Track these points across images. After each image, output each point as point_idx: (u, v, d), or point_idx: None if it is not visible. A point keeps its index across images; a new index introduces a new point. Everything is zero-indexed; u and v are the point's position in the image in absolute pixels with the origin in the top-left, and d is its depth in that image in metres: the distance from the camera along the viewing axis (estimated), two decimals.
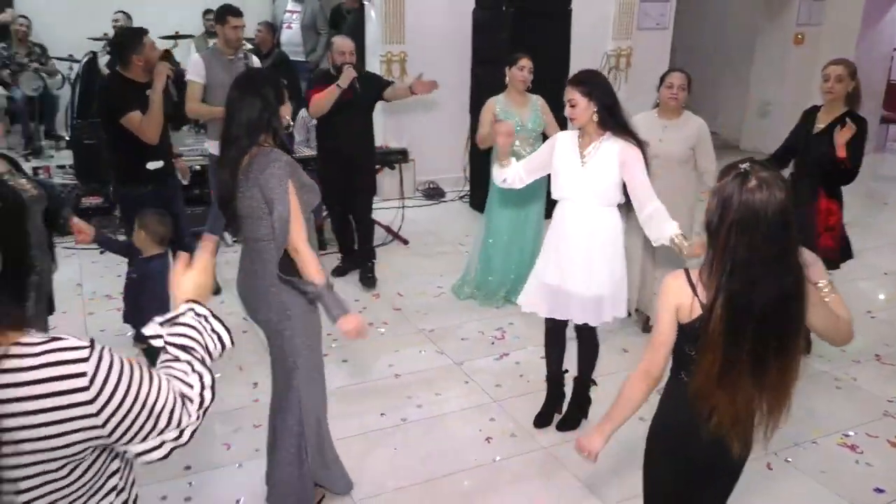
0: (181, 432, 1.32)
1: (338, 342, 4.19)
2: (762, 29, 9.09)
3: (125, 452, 1.34)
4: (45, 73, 7.52)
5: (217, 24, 4.69)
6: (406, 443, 3.32)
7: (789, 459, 3.26)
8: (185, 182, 4.59)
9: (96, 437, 1.23)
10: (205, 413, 1.38)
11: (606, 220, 3.06)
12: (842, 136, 3.64)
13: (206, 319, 1.48)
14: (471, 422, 3.49)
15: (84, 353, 1.21)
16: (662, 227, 2.89)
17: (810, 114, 3.98)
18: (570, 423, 3.44)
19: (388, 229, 5.92)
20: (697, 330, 1.82)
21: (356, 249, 5.22)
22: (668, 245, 2.90)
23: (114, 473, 1.36)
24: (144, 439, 1.29)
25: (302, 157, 5.29)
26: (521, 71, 4.37)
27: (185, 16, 8.12)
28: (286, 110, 2.55)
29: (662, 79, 4.01)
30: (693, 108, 4.16)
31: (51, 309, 3.02)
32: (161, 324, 1.44)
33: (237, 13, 4.63)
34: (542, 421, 3.47)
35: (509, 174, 3.23)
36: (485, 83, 6.22)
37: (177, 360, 1.39)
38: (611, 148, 2.97)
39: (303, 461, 2.71)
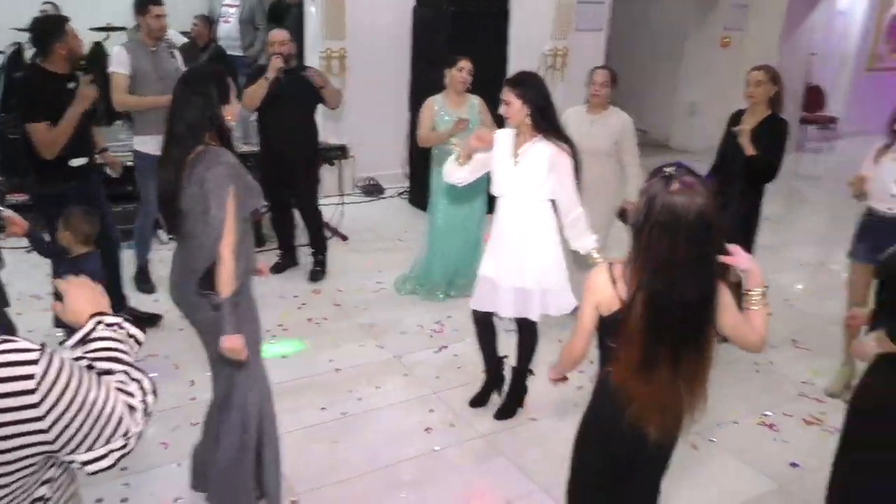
0: (127, 441, 1.30)
1: (277, 338, 4.20)
2: (690, 32, 9.45)
3: (64, 462, 1.32)
4: None
5: (137, 14, 4.48)
6: (347, 436, 3.36)
7: (713, 439, 3.44)
8: (115, 175, 4.48)
9: (41, 444, 1.20)
10: (149, 418, 1.37)
11: (538, 217, 3.17)
12: (743, 139, 3.86)
13: (120, 326, 1.46)
14: (410, 413, 3.55)
15: (34, 356, 1.19)
16: (581, 238, 3.11)
17: (736, 117, 4.16)
18: (507, 412, 3.55)
19: (327, 226, 5.91)
20: (616, 323, 1.91)
21: (295, 246, 5.25)
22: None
23: (45, 482, 1.32)
24: (90, 448, 1.26)
25: (239, 153, 5.25)
26: (460, 72, 4.45)
27: (118, 8, 7.91)
28: (231, 110, 2.52)
29: (590, 76, 4.17)
30: (622, 104, 4.32)
31: (5, 302, 2.96)
32: (73, 347, 1.41)
33: (158, 2, 4.46)
34: (476, 402, 3.60)
35: (460, 175, 3.32)
36: (424, 80, 6.30)
37: (110, 373, 1.36)
38: (542, 150, 3.10)
39: (244, 458, 2.70)
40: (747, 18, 9.23)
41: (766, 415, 3.67)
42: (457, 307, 4.63)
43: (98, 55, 6.81)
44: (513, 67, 6.63)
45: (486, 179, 4.12)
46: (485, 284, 3.32)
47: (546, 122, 3.10)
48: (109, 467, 1.30)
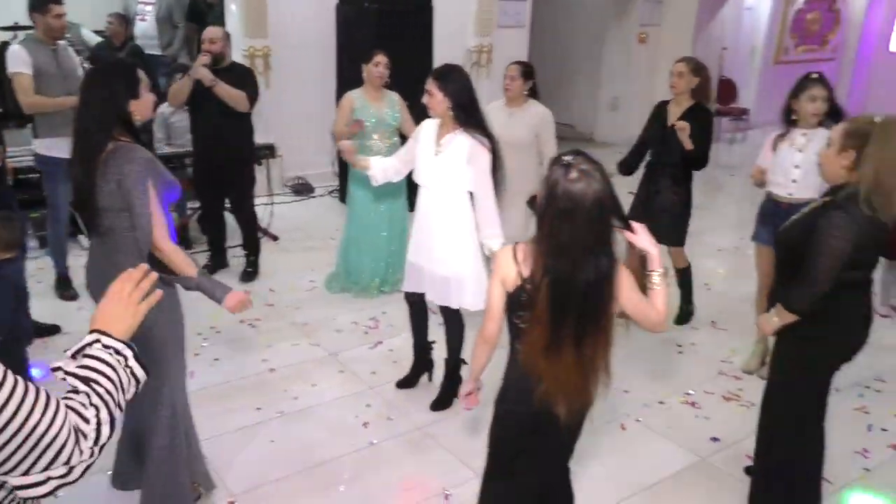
0: (70, 469, 1.23)
1: (209, 341, 4.14)
2: (609, 28, 9.72)
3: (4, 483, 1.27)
4: None
5: (36, 12, 4.25)
6: (284, 434, 3.35)
7: (640, 419, 3.59)
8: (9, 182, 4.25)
9: None
10: (101, 450, 1.28)
11: (456, 208, 3.26)
12: (682, 134, 4.04)
13: (118, 352, 1.38)
14: (347, 409, 3.57)
15: None
16: (489, 234, 3.20)
17: (661, 108, 4.34)
18: (443, 402, 3.61)
19: (257, 226, 5.85)
20: (520, 301, 2.01)
21: (226, 248, 5.18)
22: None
23: None
24: (26, 472, 1.19)
25: (162, 155, 5.14)
26: (376, 67, 4.48)
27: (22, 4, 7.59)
28: (141, 105, 2.47)
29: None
30: (547, 100, 4.45)
31: None
32: (73, 355, 1.35)
33: (59, 0, 4.28)
34: (404, 384, 3.72)
35: (378, 173, 3.43)
36: (350, 78, 6.28)
37: (76, 391, 1.30)
38: (462, 142, 3.18)
39: (179, 454, 2.69)
40: (662, 14, 9.56)
41: (688, 393, 3.85)
42: (391, 303, 4.66)
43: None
44: (438, 64, 6.68)
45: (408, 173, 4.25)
46: (412, 269, 3.45)
47: (466, 116, 3.18)
48: (45, 495, 1.23)
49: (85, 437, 1.26)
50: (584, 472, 3.18)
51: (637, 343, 4.38)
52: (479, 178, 3.18)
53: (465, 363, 3.65)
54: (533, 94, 4.32)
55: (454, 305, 3.37)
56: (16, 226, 3.31)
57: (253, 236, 5.13)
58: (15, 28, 7.37)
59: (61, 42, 4.42)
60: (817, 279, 2.42)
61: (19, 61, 4.20)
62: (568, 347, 1.98)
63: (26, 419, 1.17)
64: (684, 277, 4.61)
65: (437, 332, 3.73)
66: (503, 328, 2.21)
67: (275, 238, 5.83)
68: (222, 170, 4.86)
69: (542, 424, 2.12)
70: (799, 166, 3.70)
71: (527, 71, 4.24)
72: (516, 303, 2.06)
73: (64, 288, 4.63)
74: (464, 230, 3.26)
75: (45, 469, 1.20)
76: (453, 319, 3.50)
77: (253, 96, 4.74)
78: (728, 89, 10.50)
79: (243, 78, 4.76)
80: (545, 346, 1.98)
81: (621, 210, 2.02)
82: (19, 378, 1.20)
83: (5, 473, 1.19)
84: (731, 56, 10.61)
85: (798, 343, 2.62)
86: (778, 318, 2.58)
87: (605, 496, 3.03)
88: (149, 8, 7.51)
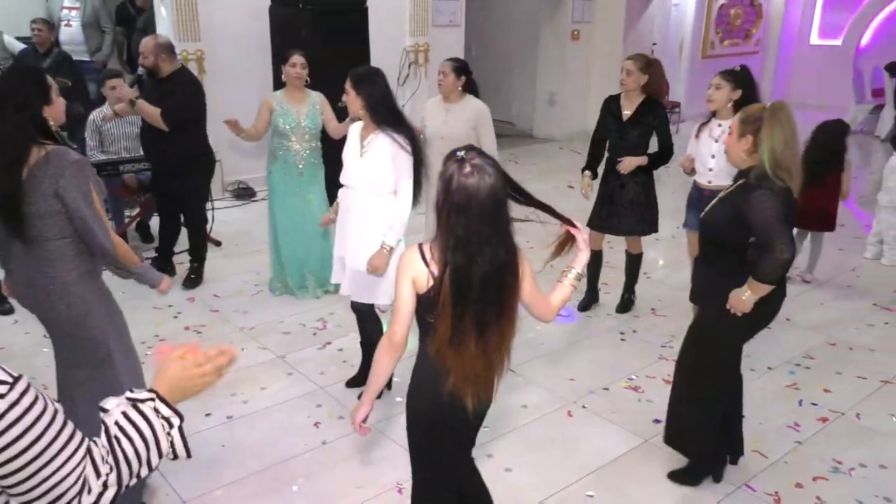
0: None
1: (153, 350, 4.07)
2: (543, 26, 9.91)
3: None
4: None
5: None
6: (234, 439, 3.33)
7: (585, 406, 3.70)
8: None
9: None
10: None
11: (378, 208, 3.33)
12: (625, 166, 4.26)
13: (170, 424, 1.34)
14: (298, 410, 3.58)
15: (2, 389, 1.14)
16: (390, 229, 3.26)
17: (611, 103, 4.45)
18: (359, 382, 3.70)
19: (205, 234, 5.76)
20: (432, 299, 2.02)
21: (173, 252, 5.18)
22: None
23: None
24: (22, 497, 1.18)
25: (96, 163, 5.03)
26: (293, 68, 4.49)
27: None
28: (54, 110, 2.49)
29: None
30: (486, 96, 4.53)
31: None
32: (128, 398, 1.33)
33: None
34: (353, 383, 3.77)
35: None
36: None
37: (111, 438, 1.28)
38: (383, 143, 3.26)
39: None
40: (593, 12, 9.79)
41: (631, 378, 3.98)
42: (338, 303, 4.67)
43: None
44: (376, 65, 6.69)
45: (321, 171, 4.56)
46: (337, 262, 3.54)
47: (379, 115, 3.27)
48: None
49: (89, 491, 1.22)
50: (533, 459, 3.27)
51: (582, 332, 4.51)
52: (399, 180, 3.27)
53: None
54: (471, 90, 4.39)
55: (361, 299, 3.48)
56: None
57: (199, 244, 5.06)
58: None
59: None
60: (785, 244, 2.60)
61: None
62: (470, 338, 1.98)
63: (43, 449, 1.16)
64: (634, 265, 4.75)
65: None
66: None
67: (217, 243, 5.75)
68: (163, 179, 4.87)
69: (451, 417, 2.13)
70: (714, 156, 3.90)
71: (458, 67, 4.30)
72: (428, 302, 2.04)
73: None
74: (383, 229, 3.32)
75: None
76: (366, 314, 3.59)
77: (172, 113, 4.56)
78: None
79: (173, 91, 4.65)
80: (449, 339, 1.99)
81: (526, 194, 2.06)
82: (49, 403, 1.19)
83: (7, 487, 1.18)
84: (660, 51, 10.93)
85: (721, 312, 2.79)
86: (752, 292, 2.72)
87: (554, 481, 3.12)
88: (74, 13, 7.29)
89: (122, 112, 4.86)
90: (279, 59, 6.48)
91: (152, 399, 1.34)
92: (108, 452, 1.27)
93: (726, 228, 2.76)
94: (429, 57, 7.90)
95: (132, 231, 5.78)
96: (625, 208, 4.44)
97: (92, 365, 2.61)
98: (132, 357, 2.77)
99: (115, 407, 1.32)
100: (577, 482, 3.13)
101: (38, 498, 1.19)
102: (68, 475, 1.20)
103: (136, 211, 5.80)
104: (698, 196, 4.03)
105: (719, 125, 3.89)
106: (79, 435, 1.23)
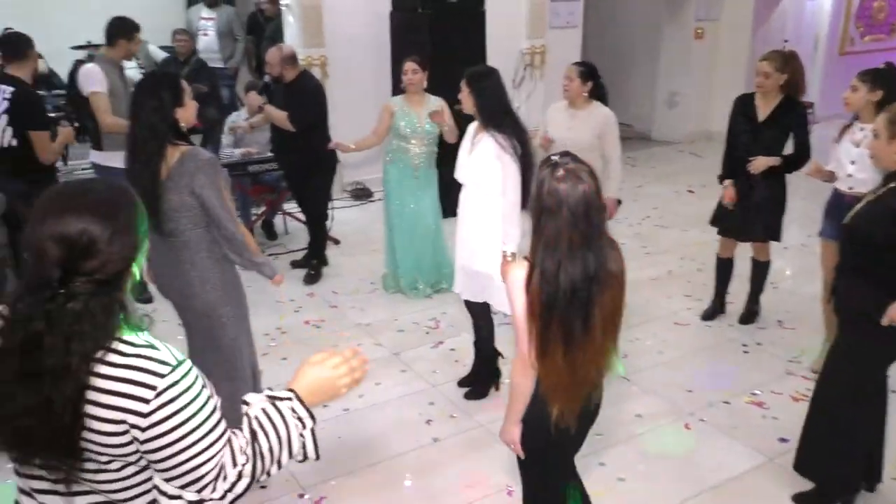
0: (200, 501, 1.29)
1: (276, 341, 4.28)
2: (665, 25, 9.59)
3: None
4: None
5: (121, 39, 4.52)
6: (350, 431, 3.44)
7: (704, 419, 3.55)
8: None
9: (139, 447, 1.26)
10: (232, 501, 1.32)
11: (487, 205, 3.34)
12: (758, 167, 4.05)
13: (301, 420, 1.40)
14: (411, 407, 3.64)
15: (164, 370, 1.24)
16: (504, 240, 3.25)
17: (745, 102, 4.21)
18: (477, 393, 3.70)
19: (324, 234, 6.00)
20: None
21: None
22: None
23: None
24: (167, 479, 1.27)
25: (228, 163, 5.37)
26: (405, 75, 4.58)
27: (92, 25, 8.01)
28: (186, 112, 2.66)
29: None
30: (605, 100, 4.42)
31: None
32: (268, 396, 1.42)
33: (139, 28, 4.64)
34: (464, 382, 3.79)
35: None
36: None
37: (250, 431, 1.36)
38: (487, 143, 3.28)
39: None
40: (719, 9, 9.38)
41: (754, 393, 3.78)
42: (451, 303, 4.73)
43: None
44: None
45: (436, 175, 4.59)
46: (458, 273, 3.56)
47: (487, 115, 3.29)
48: None
49: (225, 478, 1.30)
50: (647, 470, 3.17)
51: (702, 342, 4.33)
52: (504, 177, 3.26)
53: (500, 356, 3.73)
54: (599, 95, 4.23)
55: (471, 297, 3.48)
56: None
57: (320, 242, 5.28)
58: (88, 47, 7.76)
59: (126, 62, 4.79)
60: None
61: (96, 81, 4.39)
62: (557, 348, 1.93)
63: (190, 434, 1.25)
64: (761, 273, 4.52)
65: (501, 340, 3.75)
66: None
67: (336, 242, 5.96)
68: (295, 178, 5.21)
69: (552, 427, 2.08)
70: (855, 161, 3.62)
71: (584, 71, 4.15)
72: None
73: (140, 292, 4.84)
74: (494, 228, 3.30)
75: (182, 488, 1.28)
76: (479, 314, 3.58)
77: (298, 116, 4.83)
78: None
79: (299, 96, 4.94)
80: (539, 346, 1.95)
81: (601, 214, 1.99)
82: (207, 388, 1.29)
83: (153, 466, 1.28)
84: (792, 48, 10.34)
85: (867, 331, 2.60)
86: None
87: (669, 495, 3.01)
88: (210, 23, 7.78)
89: (257, 124, 5.43)
90: (398, 63, 6.67)
91: (290, 399, 1.41)
92: (247, 444, 1.34)
93: (881, 231, 2.54)
94: (545, 59, 7.84)
95: (258, 228, 6.08)
96: (752, 212, 4.21)
97: (218, 350, 2.79)
98: (251, 345, 2.95)
99: (256, 402, 1.40)
100: (694, 498, 3.01)
101: (179, 476, 1.27)
102: (209, 460, 1.28)
103: (262, 210, 6.10)
104: (837, 203, 3.74)
105: (861, 129, 3.61)
106: (223, 424, 1.31)
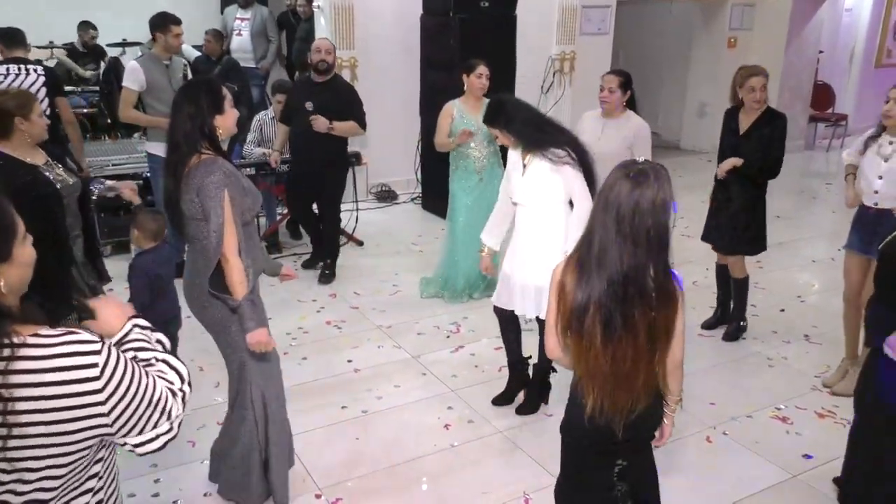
0: (171, 425, 1.42)
1: (297, 340, 4.30)
2: (697, 33, 9.50)
3: (109, 455, 1.44)
4: None
5: (158, 32, 4.77)
6: (368, 433, 3.44)
7: (726, 433, 3.50)
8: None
9: (100, 427, 1.31)
10: (185, 404, 1.47)
11: (549, 221, 3.30)
12: (725, 170, 4.09)
13: (152, 330, 1.56)
14: (429, 411, 3.64)
15: (96, 347, 1.30)
16: (571, 236, 3.15)
17: (731, 115, 4.23)
18: (530, 407, 3.63)
19: (342, 231, 6.02)
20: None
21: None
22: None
23: (93, 476, 1.42)
24: (141, 432, 1.37)
25: (251, 163, 5.43)
26: (479, 78, 4.56)
27: (132, 23, 8.15)
28: (225, 120, 2.58)
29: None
30: (634, 107, 4.38)
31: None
32: (115, 344, 1.48)
33: (178, 21, 4.82)
34: (499, 400, 3.68)
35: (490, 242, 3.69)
36: (434, 87, 6.40)
37: (150, 364, 1.47)
38: (540, 162, 3.25)
39: (252, 455, 2.80)
40: (754, 18, 9.27)
41: (778, 408, 3.72)
42: (473, 309, 4.72)
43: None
44: (521, 72, 6.72)
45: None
46: (503, 281, 3.46)
47: (529, 140, 3.25)
48: (158, 449, 1.42)
49: (176, 395, 1.44)
50: (668, 483, 3.12)
51: (725, 355, 4.27)
52: (568, 185, 3.22)
53: (553, 371, 3.66)
54: (630, 103, 4.16)
55: (533, 314, 3.38)
56: (160, 218, 3.55)
57: (335, 240, 5.30)
58: (123, 44, 7.90)
59: (174, 57, 4.94)
60: None
61: (131, 78, 4.74)
62: (594, 334, 1.94)
63: (139, 384, 1.36)
64: (739, 289, 4.42)
65: (525, 340, 3.73)
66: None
67: (360, 243, 5.98)
68: (316, 175, 5.10)
69: (590, 429, 2.10)
70: (882, 176, 3.54)
71: (625, 82, 4.07)
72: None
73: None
74: (558, 243, 3.26)
75: (155, 426, 1.39)
76: (517, 328, 3.55)
77: (362, 118, 5.05)
78: (824, 94, 10.07)
79: (349, 100, 5.03)
80: (568, 324, 1.99)
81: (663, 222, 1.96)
82: (116, 350, 1.36)
83: (126, 434, 1.36)
84: (827, 60, 10.18)
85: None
86: None
87: None
88: (244, 24, 7.88)
89: (279, 149, 5.37)
90: (428, 66, 6.69)
91: (135, 325, 1.52)
92: (165, 364, 1.49)
93: None
94: (574, 66, 7.81)
95: (282, 228, 6.13)
96: (729, 224, 4.19)
97: (233, 365, 2.76)
98: (270, 360, 2.81)
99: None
100: None
101: (149, 419, 1.38)
102: (161, 390, 1.41)
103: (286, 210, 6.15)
104: (862, 216, 3.68)
105: (890, 142, 3.53)
106: (140, 363, 1.44)
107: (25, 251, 1.35)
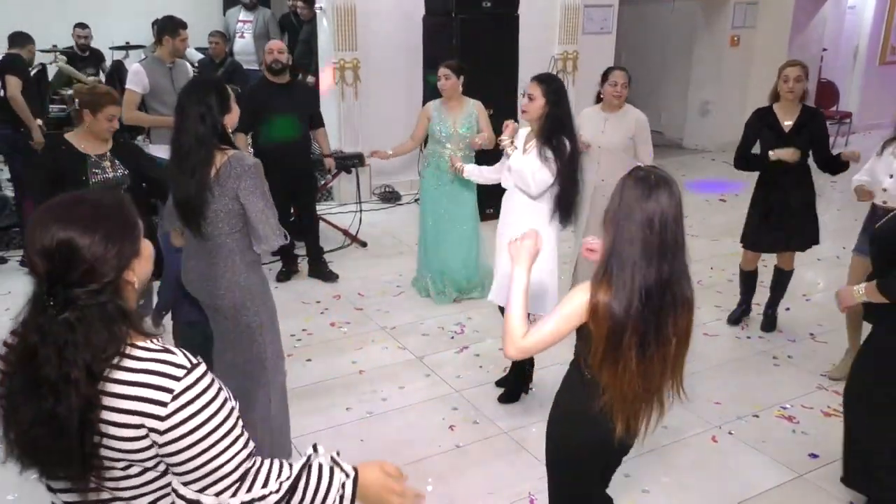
0: None
1: (301, 342, 4.30)
2: (699, 32, 9.48)
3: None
4: None
5: (167, 35, 4.81)
6: (373, 434, 3.44)
7: (732, 432, 3.49)
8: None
9: (158, 451, 1.27)
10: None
11: (534, 210, 3.33)
12: (782, 157, 4.01)
13: (342, 500, 1.40)
14: (434, 412, 3.63)
15: (180, 373, 1.25)
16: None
17: (765, 115, 4.17)
18: (512, 396, 3.67)
19: (345, 232, 6.03)
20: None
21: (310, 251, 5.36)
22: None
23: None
24: (187, 483, 1.28)
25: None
26: (438, 81, 4.60)
27: (131, 27, 8.21)
28: (232, 117, 2.67)
29: (605, 76, 4.22)
30: (636, 106, 4.38)
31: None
32: (333, 459, 1.43)
33: (186, 25, 4.87)
34: (506, 398, 3.71)
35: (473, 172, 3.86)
36: (436, 88, 6.38)
37: (301, 469, 1.37)
38: (533, 152, 3.29)
39: (266, 443, 2.83)
40: (756, 16, 9.25)
41: (784, 407, 3.71)
42: (476, 309, 4.72)
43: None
44: (523, 73, 6.71)
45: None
46: (501, 278, 3.48)
47: (554, 128, 3.25)
48: None
49: (249, 490, 1.31)
50: (672, 482, 3.12)
51: (730, 354, 4.26)
52: (539, 177, 3.29)
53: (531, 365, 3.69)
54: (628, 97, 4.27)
55: (530, 311, 3.38)
56: None
57: (318, 238, 5.30)
58: (126, 48, 7.92)
59: (178, 60, 4.95)
60: None
61: (134, 80, 4.77)
62: (630, 355, 1.90)
63: (212, 433, 1.26)
64: (785, 281, 4.50)
65: None
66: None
67: (363, 244, 5.98)
68: (290, 182, 4.84)
69: (596, 445, 2.10)
70: (893, 175, 3.53)
71: (629, 75, 4.20)
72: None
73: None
74: (545, 234, 3.25)
75: (201, 491, 1.29)
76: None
77: (319, 121, 5.17)
78: (828, 92, 10.04)
79: (315, 103, 5.12)
80: (605, 351, 1.93)
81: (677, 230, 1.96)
82: (223, 391, 1.30)
83: (177, 475, 1.28)
84: (831, 57, 10.15)
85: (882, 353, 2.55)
86: (866, 294, 2.55)
87: None
88: (247, 26, 7.89)
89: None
90: (430, 67, 6.69)
91: (348, 475, 1.42)
92: (288, 478, 1.36)
93: None
94: (577, 65, 7.81)
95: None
96: (787, 221, 4.20)
97: (241, 348, 2.80)
98: (278, 343, 2.93)
99: (324, 454, 1.42)
100: None
101: (198, 480, 1.28)
102: (228, 461, 1.28)
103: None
104: (872, 217, 3.68)
105: None
106: (241, 426, 1.32)
107: (147, 245, 1.34)
